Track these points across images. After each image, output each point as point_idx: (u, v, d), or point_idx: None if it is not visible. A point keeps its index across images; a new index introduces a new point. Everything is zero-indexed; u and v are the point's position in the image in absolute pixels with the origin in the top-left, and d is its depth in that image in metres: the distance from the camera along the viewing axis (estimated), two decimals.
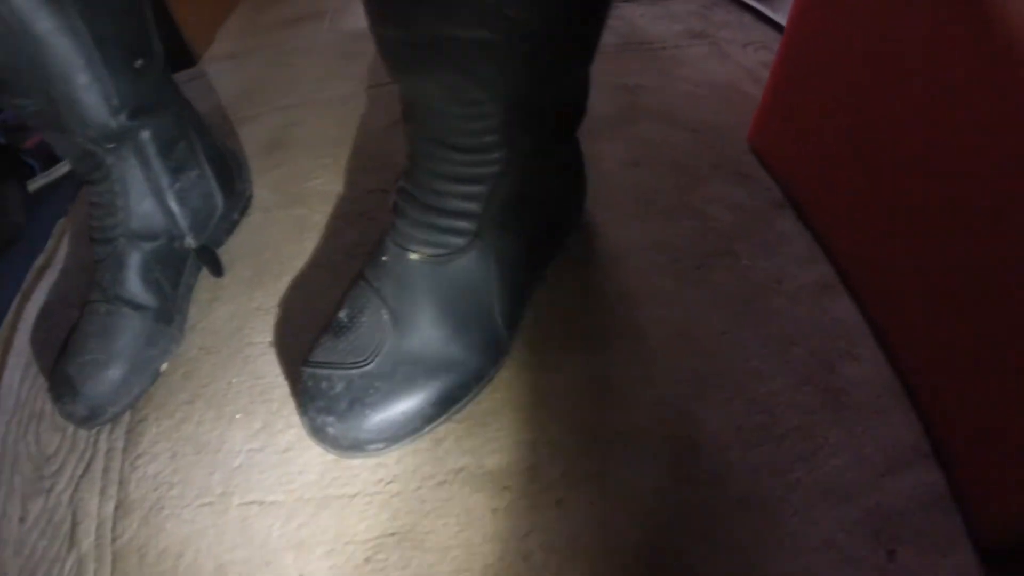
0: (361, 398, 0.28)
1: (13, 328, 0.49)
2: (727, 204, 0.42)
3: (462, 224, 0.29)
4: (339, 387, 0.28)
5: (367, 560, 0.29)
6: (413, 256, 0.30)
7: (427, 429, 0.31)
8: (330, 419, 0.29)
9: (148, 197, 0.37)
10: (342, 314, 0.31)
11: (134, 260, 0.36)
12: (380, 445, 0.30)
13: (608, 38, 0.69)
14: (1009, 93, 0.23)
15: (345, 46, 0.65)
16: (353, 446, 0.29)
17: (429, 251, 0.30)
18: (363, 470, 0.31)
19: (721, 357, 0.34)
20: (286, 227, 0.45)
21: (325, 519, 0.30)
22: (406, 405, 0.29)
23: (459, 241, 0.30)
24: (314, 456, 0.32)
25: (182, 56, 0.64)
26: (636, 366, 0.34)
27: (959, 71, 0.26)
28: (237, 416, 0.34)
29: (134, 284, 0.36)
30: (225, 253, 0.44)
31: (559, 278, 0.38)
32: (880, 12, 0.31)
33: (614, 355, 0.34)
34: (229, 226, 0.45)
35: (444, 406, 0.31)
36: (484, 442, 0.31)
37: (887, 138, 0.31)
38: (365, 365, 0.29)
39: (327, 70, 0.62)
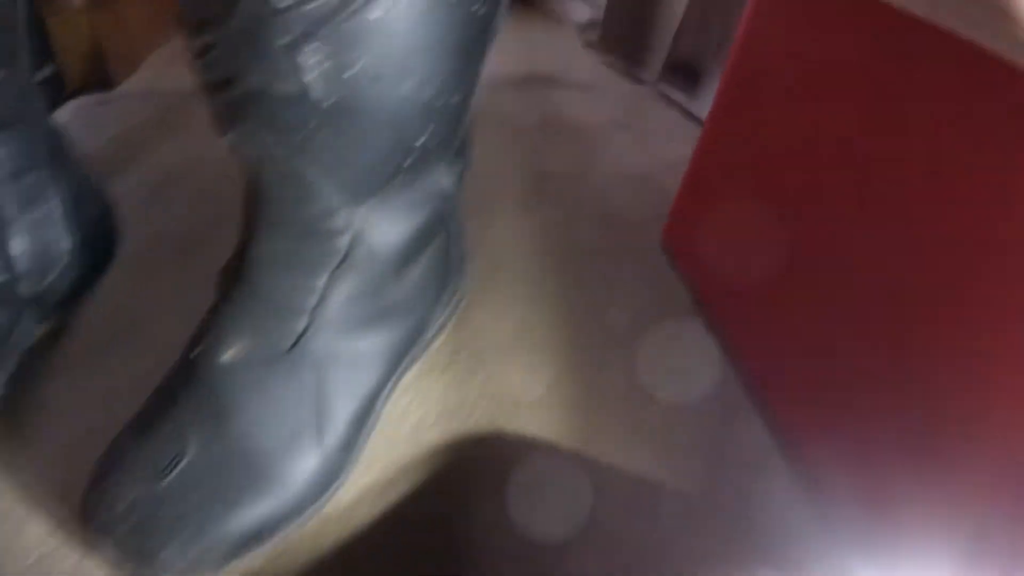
0: (148, 520, 0.22)
1: None
2: (633, 303, 0.39)
3: (290, 318, 0.25)
4: (124, 502, 0.22)
5: None
6: (223, 355, 0.24)
7: (226, 566, 0.24)
8: (112, 536, 0.22)
9: None
10: (148, 408, 0.25)
11: None
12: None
13: (527, 117, 0.68)
14: (933, 197, 0.22)
15: None
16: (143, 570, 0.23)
17: (246, 346, 0.25)
18: None
19: (614, 471, 0.29)
20: (153, 281, 0.39)
21: None
22: (199, 534, 0.23)
23: (284, 341, 0.25)
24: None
25: (99, 77, 0.60)
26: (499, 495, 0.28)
27: (891, 184, 0.24)
28: (41, 510, 0.26)
29: None
30: (73, 312, 0.37)
31: (418, 386, 0.33)
32: (802, 111, 0.30)
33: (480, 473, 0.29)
34: (81, 280, 0.38)
35: (249, 544, 0.24)
36: None
37: (808, 249, 0.29)
38: (159, 480, 0.23)
39: None
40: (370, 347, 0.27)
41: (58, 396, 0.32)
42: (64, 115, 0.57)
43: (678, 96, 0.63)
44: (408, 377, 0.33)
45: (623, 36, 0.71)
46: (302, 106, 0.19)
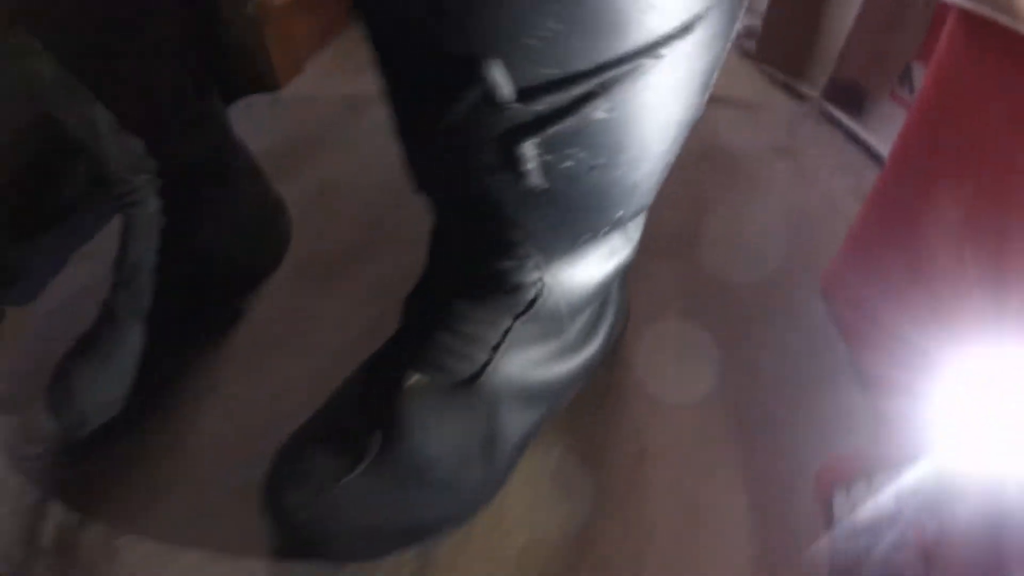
0: (325, 517, 0.26)
1: (33, 310, 0.51)
2: (783, 358, 0.37)
3: (475, 352, 0.26)
4: (304, 499, 0.26)
5: None
6: (412, 379, 0.27)
7: (389, 556, 0.28)
8: (290, 529, 0.26)
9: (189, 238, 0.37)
10: (324, 417, 0.29)
11: (149, 288, 0.36)
12: (336, 561, 0.27)
13: (688, 142, 0.68)
14: None
15: None
16: (309, 556, 0.27)
17: (431, 377, 0.27)
18: None
19: (738, 541, 0.29)
20: (313, 290, 0.44)
21: None
22: (371, 533, 0.26)
23: (468, 368, 0.26)
24: (267, 558, 0.30)
25: (266, 80, 0.67)
26: (629, 533, 0.29)
27: None
28: (210, 478, 0.33)
29: (148, 311, 0.36)
30: (245, 302, 0.43)
31: (575, 417, 0.34)
32: (1002, 159, 0.25)
33: (606, 510, 0.30)
34: (253, 278, 0.44)
35: (413, 541, 0.28)
36: None
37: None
38: (333, 484, 0.26)
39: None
40: (539, 386, 0.29)
41: (229, 387, 0.38)
42: (234, 114, 0.65)
43: (842, 116, 0.58)
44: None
45: (784, 46, 0.65)
46: (515, 189, 0.20)
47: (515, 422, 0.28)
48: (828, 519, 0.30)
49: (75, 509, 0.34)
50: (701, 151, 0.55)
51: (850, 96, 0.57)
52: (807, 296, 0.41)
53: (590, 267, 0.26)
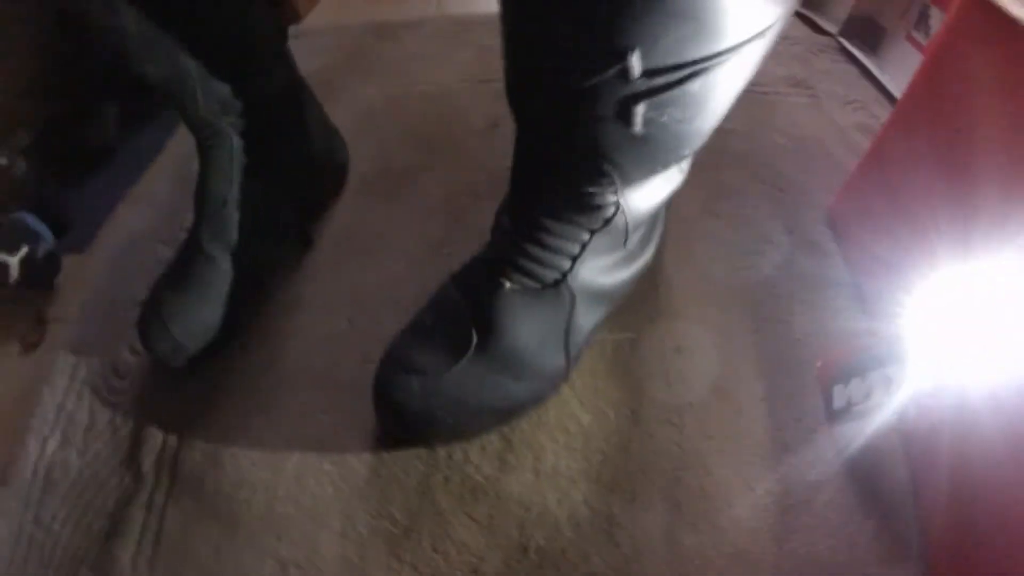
0: (432, 402, 0.31)
1: (93, 254, 0.52)
2: (793, 273, 0.42)
3: (560, 261, 0.31)
4: (414, 387, 0.31)
5: (406, 536, 0.31)
6: (506, 285, 0.31)
7: (479, 436, 0.34)
8: (401, 415, 0.31)
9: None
10: (427, 318, 0.33)
11: (235, 221, 0.38)
12: (434, 443, 0.33)
13: None
14: None
15: (452, 31, 0.65)
16: (413, 442, 0.33)
17: (521, 282, 0.32)
18: (414, 459, 0.34)
19: (756, 422, 0.35)
20: (374, 211, 0.47)
21: (374, 490, 0.33)
22: (470, 414, 0.32)
23: (552, 275, 0.31)
24: (368, 433, 0.35)
25: (287, 14, 0.65)
26: (669, 412, 0.35)
27: None
28: (308, 376, 0.37)
29: (236, 242, 0.38)
30: (313, 227, 0.46)
31: (624, 316, 0.39)
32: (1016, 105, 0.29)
33: (649, 394, 0.36)
34: (322, 198, 0.47)
35: (501, 420, 0.33)
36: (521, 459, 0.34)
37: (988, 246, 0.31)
38: (441, 373, 0.31)
39: (431, 54, 0.62)
40: (606, 288, 0.34)
41: (314, 296, 0.42)
42: None
43: (858, 53, 0.59)
44: None
45: None
46: (621, 136, 0.25)
47: (586, 319, 0.33)
48: (828, 406, 0.36)
49: (174, 432, 0.38)
50: None
51: (867, 34, 0.59)
52: (815, 218, 0.45)
53: (653, 192, 0.31)
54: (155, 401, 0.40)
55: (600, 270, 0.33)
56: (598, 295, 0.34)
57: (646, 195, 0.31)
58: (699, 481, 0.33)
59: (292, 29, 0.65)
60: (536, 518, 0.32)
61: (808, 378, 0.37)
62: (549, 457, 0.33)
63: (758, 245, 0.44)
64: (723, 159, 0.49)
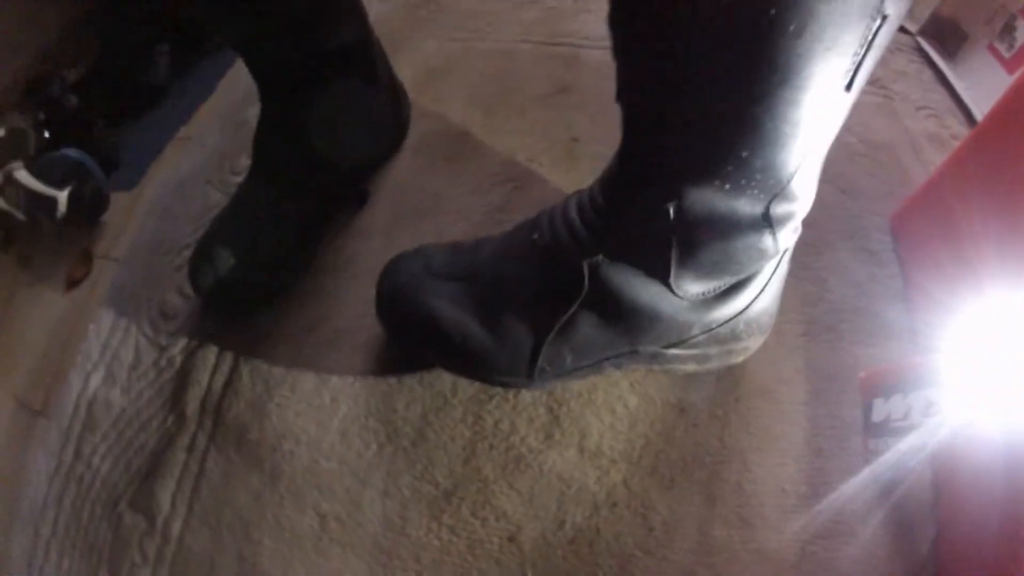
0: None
1: (141, 194, 0.52)
2: (848, 280, 0.41)
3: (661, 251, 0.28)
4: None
5: (447, 499, 0.32)
6: (606, 259, 0.29)
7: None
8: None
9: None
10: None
11: (293, 171, 0.38)
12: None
13: None
14: None
15: None
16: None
17: (612, 253, 0.29)
18: (460, 424, 0.34)
19: (795, 426, 0.35)
20: (433, 171, 0.46)
21: (420, 452, 0.33)
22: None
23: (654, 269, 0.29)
24: (419, 398, 0.35)
25: None
26: (715, 406, 0.35)
27: None
28: (361, 337, 0.37)
29: (291, 192, 0.38)
30: (371, 183, 0.45)
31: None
32: None
33: (697, 385, 0.36)
34: (382, 155, 0.46)
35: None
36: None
37: None
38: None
39: (495, 11, 0.59)
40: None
41: (367, 254, 0.41)
42: None
43: (936, 56, 0.56)
44: None
45: None
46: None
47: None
48: (867, 419, 0.36)
49: (220, 378, 0.39)
50: None
51: (947, 37, 0.56)
52: (876, 225, 0.44)
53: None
54: (202, 346, 0.41)
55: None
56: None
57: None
58: (736, 477, 0.34)
59: None
60: (575, 494, 0.32)
61: (850, 388, 0.37)
62: (594, 436, 0.34)
63: (816, 246, 0.43)
64: None
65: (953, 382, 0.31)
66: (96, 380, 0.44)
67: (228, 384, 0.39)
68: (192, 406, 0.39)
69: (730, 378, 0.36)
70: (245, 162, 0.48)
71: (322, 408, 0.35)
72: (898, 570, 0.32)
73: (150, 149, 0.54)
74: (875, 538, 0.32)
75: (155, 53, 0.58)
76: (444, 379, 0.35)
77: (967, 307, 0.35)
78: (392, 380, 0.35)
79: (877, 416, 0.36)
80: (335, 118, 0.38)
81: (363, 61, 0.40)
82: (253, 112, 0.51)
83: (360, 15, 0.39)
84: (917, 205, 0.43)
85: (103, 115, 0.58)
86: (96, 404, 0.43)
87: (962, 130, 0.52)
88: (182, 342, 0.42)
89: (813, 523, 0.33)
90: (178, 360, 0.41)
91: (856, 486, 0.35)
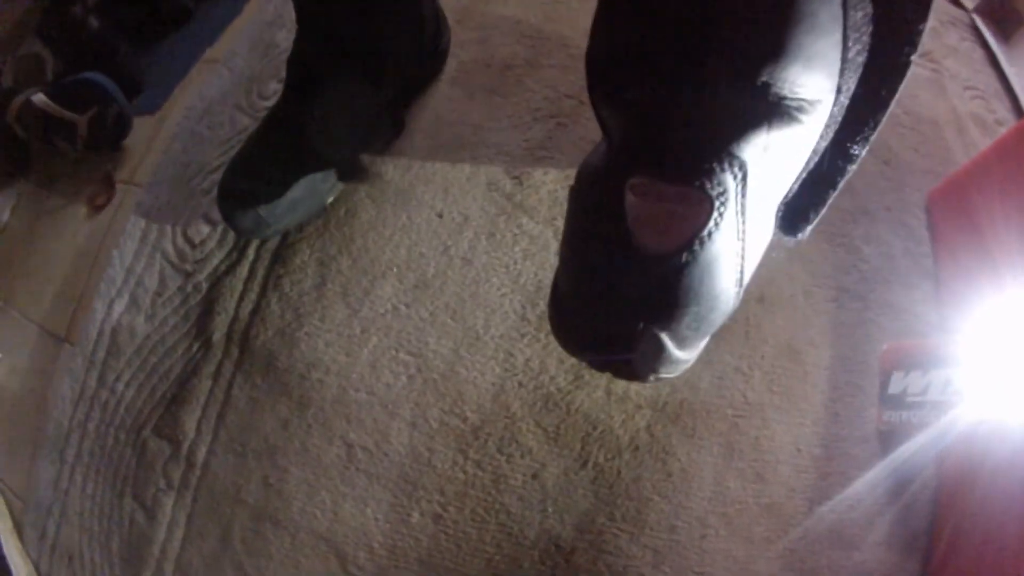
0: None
1: (166, 118, 0.51)
2: (883, 252, 0.41)
3: None
4: None
5: (474, 435, 0.33)
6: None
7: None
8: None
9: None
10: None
11: (329, 97, 0.37)
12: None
13: None
14: None
15: None
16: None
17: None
18: (491, 361, 0.35)
19: (816, 389, 0.36)
20: (472, 103, 0.44)
21: (449, 386, 0.34)
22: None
23: None
24: (451, 332, 0.35)
25: None
26: (740, 360, 0.36)
27: None
28: (392, 270, 0.37)
29: (326, 118, 0.37)
30: (406, 111, 0.43)
31: None
32: None
33: (726, 338, 0.36)
34: (419, 83, 0.44)
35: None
36: None
37: None
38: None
39: None
40: None
41: (402, 184, 0.40)
42: None
43: (989, 36, 0.55)
44: None
45: None
46: None
47: None
48: (884, 390, 0.36)
49: (248, 305, 0.38)
50: None
51: (1003, 17, 0.54)
52: (915, 201, 0.44)
53: None
54: (229, 273, 0.41)
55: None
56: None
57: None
58: (755, 432, 0.34)
59: None
60: (599, 435, 0.33)
61: (872, 359, 0.37)
62: (622, 380, 0.34)
63: (854, 214, 0.42)
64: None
65: (975, 367, 0.31)
66: (120, 307, 0.44)
67: (256, 311, 0.39)
68: (219, 333, 0.39)
69: (758, 334, 0.37)
70: (275, 87, 0.46)
71: (352, 338, 0.36)
72: (895, 543, 0.33)
73: (175, 72, 0.52)
74: (877, 508, 0.33)
75: None
76: (477, 315, 0.35)
77: (986, 297, 0.35)
78: (424, 313, 0.35)
79: (894, 388, 0.37)
80: (374, 44, 0.37)
81: None
82: (283, 35, 0.49)
83: None
84: (952, 188, 0.42)
85: (127, 38, 0.56)
86: (120, 331, 0.43)
87: (1007, 116, 0.51)
88: (209, 268, 0.42)
89: (823, 484, 0.34)
90: (204, 286, 0.41)
91: (866, 455, 0.36)
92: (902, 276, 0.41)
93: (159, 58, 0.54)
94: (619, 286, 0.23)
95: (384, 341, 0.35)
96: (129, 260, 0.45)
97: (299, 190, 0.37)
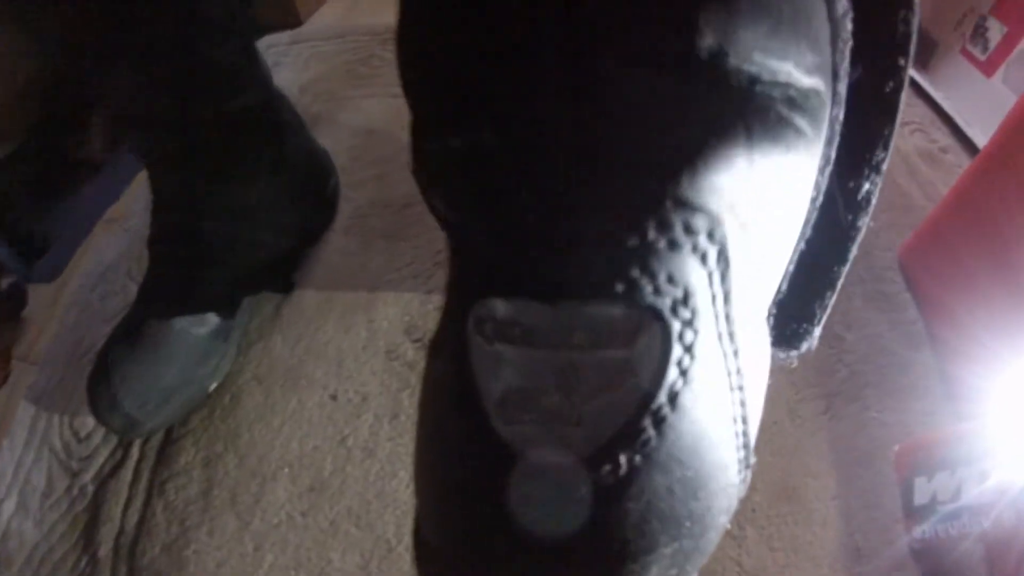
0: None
1: (64, 285, 0.47)
2: (867, 334, 0.36)
3: None
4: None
5: None
6: None
7: None
8: None
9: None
10: None
11: (195, 264, 0.32)
12: None
13: None
14: None
15: None
16: None
17: None
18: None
19: (827, 526, 0.29)
20: (368, 253, 0.40)
21: None
22: None
23: None
24: (356, 544, 0.28)
25: (287, 17, 0.60)
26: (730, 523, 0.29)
27: None
28: (284, 471, 0.31)
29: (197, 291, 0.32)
30: (298, 270, 0.39)
31: None
32: None
33: None
34: (308, 236, 0.40)
35: None
36: None
37: None
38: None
39: None
40: None
41: (292, 362, 0.35)
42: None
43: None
44: None
45: None
46: None
47: None
48: (908, 502, 0.30)
49: (134, 515, 0.32)
50: None
51: (917, 46, 0.53)
52: (887, 263, 0.39)
53: None
54: (114, 475, 0.35)
55: None
56: None
57: None
58: None
59: (292, 34, 0.60)
60: None
61: (885, 468, 0.31)
62: None
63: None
64: None
65: (1010, 451, 0.25)
66: (9, 508, 0.38)
67: (141, 522, 0.32)
68: (105, 548, 0.33)
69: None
70: None
71: (245, 557, 0.29)
72: None
73: (79, 231, 0.48)
74: None
75: (90, 124, 0.54)
76: (386, 519, 0.29)
77: (1003, 356, 0.30)
78: (324, 522, 0.29)
79: (921, 498, 0.30)
80: (237, 197, 0.33)
81: (265, 130, 0.34)
82: None
83: (257, 75, 0.34)
84: (924, 239, 0.38)
85: (31, 195, 0.53)
86: (11, 537, 0.36)
87: (949, 142, 0.49)
88: (94, 467, 0.36)
89: None
90: (90, 490, 0.35)
91: None
92: (895, 355, 0.35)
93: (63, 214, 0.51)
94: (508, 540, 0.11)
95: (280, 559, 0.28)
96: (19, 452, 0.40)
97: (170, 378, 0.31)
